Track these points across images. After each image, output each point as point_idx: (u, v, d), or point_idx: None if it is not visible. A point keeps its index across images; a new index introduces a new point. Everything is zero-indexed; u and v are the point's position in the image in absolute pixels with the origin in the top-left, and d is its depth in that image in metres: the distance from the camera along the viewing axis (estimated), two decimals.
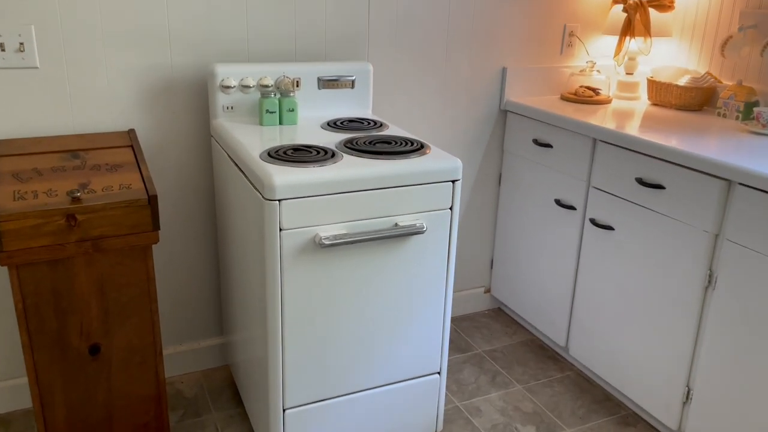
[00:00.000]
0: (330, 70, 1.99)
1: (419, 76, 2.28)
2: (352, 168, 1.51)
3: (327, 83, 1.99)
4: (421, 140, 1.74)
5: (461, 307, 2.67)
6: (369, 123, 1.91)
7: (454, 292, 2.64)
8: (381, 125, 1.90)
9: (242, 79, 1.88)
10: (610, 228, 2.04)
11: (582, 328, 2.21)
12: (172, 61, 1.91)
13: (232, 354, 2.05)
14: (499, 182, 2.56)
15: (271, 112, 1.86)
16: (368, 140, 1.71)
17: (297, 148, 1.61)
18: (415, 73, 2.27)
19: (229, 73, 1.87)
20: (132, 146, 1.83)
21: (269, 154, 1.56)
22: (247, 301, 1.71)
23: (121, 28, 1.83)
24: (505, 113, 2.48)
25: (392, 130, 1.86)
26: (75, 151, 1.79)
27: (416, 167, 1.56)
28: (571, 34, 2.49)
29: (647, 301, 1.94)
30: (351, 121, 1.94)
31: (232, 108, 1.90)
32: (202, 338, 2.22)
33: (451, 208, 1.64)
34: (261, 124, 1.86)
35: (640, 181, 1.90)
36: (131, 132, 1.90)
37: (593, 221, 2.10)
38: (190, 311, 2.17)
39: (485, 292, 2.71)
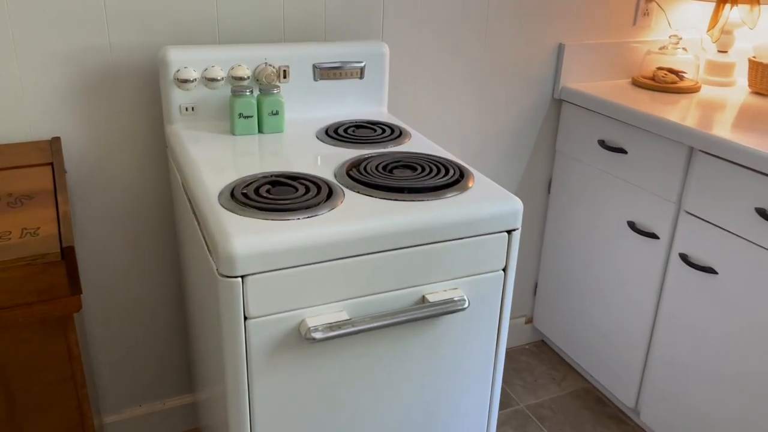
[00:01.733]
0: (330, 53, 1.44)
1: (449, 57, 1.72)
2: (359, 219, 0.98)
3: (326, 72, 1.44)
4: (460, 163, 1.20)
5: None
6: (383, 130, 1.37)
7: None
8: (400, 134, 1.35)
9: (206, 69, 1.34)
10: (711, 271, 1.50)
11: (659, 391, 1.70)
12: (110, 41, 1.37)
13: (204, 416, 1.55)
14: (549, 189, 2.02)
15: (247, 117, 1.32)
16: (383, 164, 1.17)
17: (277, 181, 1.08)
18: (445, 53, 1.71)
19: (187, 60, 1.33)
20: (52, 164, 1.31)
21: (233, 195, 1.03)
22: (211, 389, 1.21)
23: (35, 0, 1.29)
24: (559, 103, 1.93)
25: (416, 142, 1.32)
26: None
27: (456, 214, 1.03)
28: (649, 0, 1.91)
29: (761, 371, 1.41)
30: (358, 126, 1.40)
31: (192, 109, 1.36)
32: (167, 397, 1.73)
33: (505, 270, 1.11)
34: (232, 132, 1.33)
35: (763, 213, 1.35)
36: (54, 142, 1.38)
37: (685, 258, 1.56)
38: (151, 368, 1.68)
39: (526, 323, 2.20)
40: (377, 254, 0.99)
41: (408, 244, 1.01)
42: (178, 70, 1.32)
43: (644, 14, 1.93)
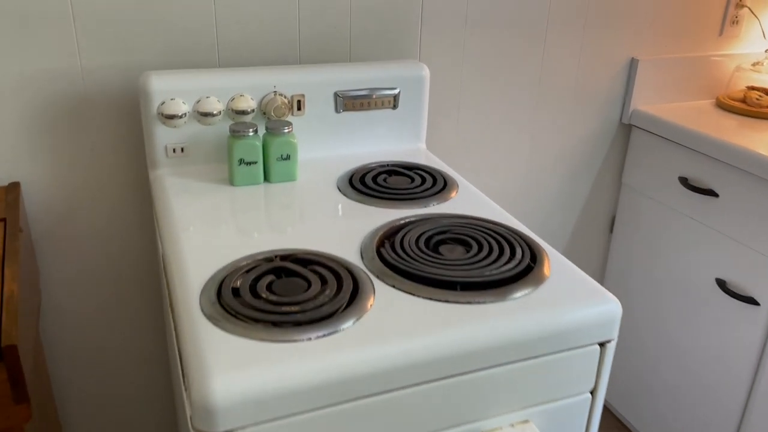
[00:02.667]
0: (356, 78, 1.14)
1: (499, 78, 1.41)
2: (398, 339, 0.69)
3: (351, 102, 1.15)
4: (528, 235, 0.90)
5: None
6: (422, 179, 1.07)
7: None
8: (445, 186, 1.05)
9: (199, 101, 1.05)
10: None
11: None
12: (82, 64, 1.09)
13: None
14: (611, 228, 1.71)
15: (249, 164, 1.03)
16: (426, 236, 0.88)
17: (283, 268, 0.79)
18: (494, 73, 1.40)
19: (174, 88, 1.04)
20: (4, 220, 1.04)
21: (220, 294, 0.74)
22: None
23: None
24: (628, 129, 1.61)
25: (464, 197, 1.02)
26: None
27: (530, 325, 0.73)
28: (740, 5, 1.58)
29: None
30: (390, 171, 1.10)
31: (182, 150, 1.08)
32: None
33: (593, 392, 0.81)
34: (231, 183, 1.04)
35: None
36: (11, 189, 1.11)
37: None
38: None
39: None
40: (421, 386, 0.70)
41: (463, 370, 0.71)
42: (163, 103, 1.03)
43: (733, 23, 1.60)
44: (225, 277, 0.77)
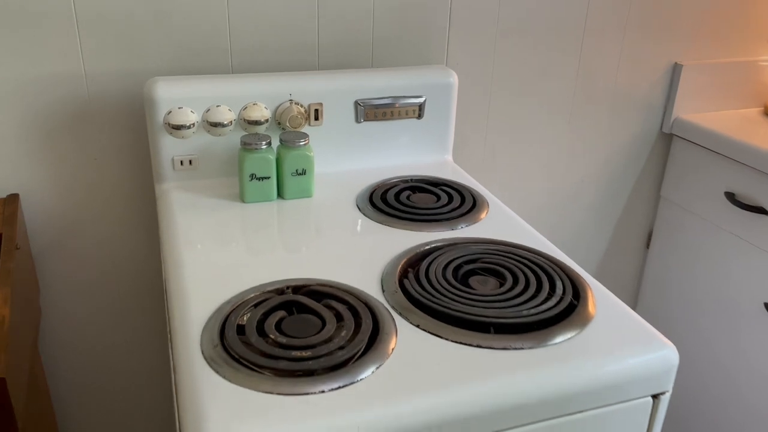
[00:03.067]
0: (378, 85, 1.06)
1: (533, 83, 1.32)
2: (423, 392, 0.60)
3: (373, 111, 1.06)
4: (569, 266, 0.81)
5: None
6: (449, 197, 0.98)
7: None
8: (474, 205, 0.96)
9: (209, 110, 0.97)
10: None
11: None
12: (86, 70, 1.02)
13: None
14: (648, 244, 1.60)
15: (261, 179, 0.95)
16: (454, 265, 0.79)
17: (294, 302, 0.71)
18: (527, 79, 1.31)
19: (182, 96, 0.96)
20: (0, 235, 0.97)
21: (223, 335, 0.66)
22: None
23: None
24: (669, 138, 1.50)
25: (496, 218, 0.93)
26: None
27: (574, 377, 0.64)
28: None
29: None
30: (414, 188, 1.02)
31: (190, 163, 1.00)
32: None
33: None
34: (242, 200, 0.96)
35: None
36: (10, 201, 1.04)
37: None
38: None
39: None
40: None
41: (497, 428, 0.63)
42: (170, 112, 0.95)
43: None
44: (230, 312, 0.69)
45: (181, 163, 0.99)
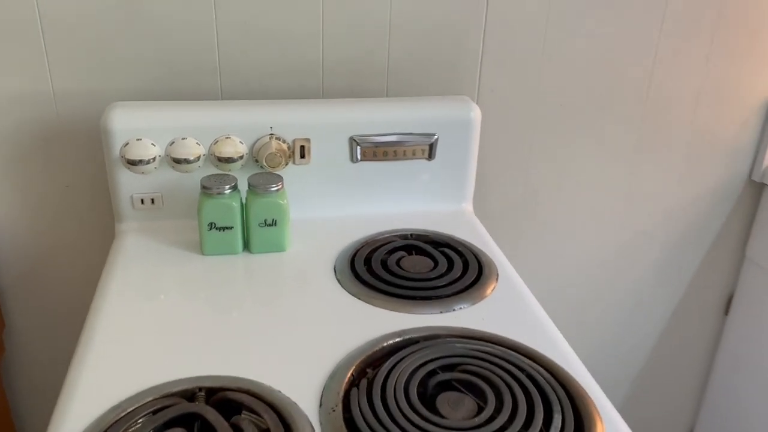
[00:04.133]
0: (380, 118, 0.88)
1: (587, 116, 1.10)
2: None
3: (372, 149, 0.89)
4: (577, 382, 0.60)
5: None
6: (449, 262, 0.79)
7: None
8: (479, 276, 0.77)
9: (173, 143, 0.83)
10: None
11: None
12: (54, 89, 0.90)
13: None
14: (727, 310, 1.34)
15: (222, 229, 0.80)
16: (427, 366, 0.60)
17: (198, 415, 0.55)
18: (580, 110, 1.09)
19: (140, 126, 0.82)
20: None
21: None
22: None
23: None
24: (759, 188, 1.23)
25: (503, 295, 0.73)
26: None
27: None
28: None
29: None
30: (411, 247, 0.83)
31: (152, 202, 0.86)
32: None
33: None
34: (202, 251, 0.81)
35: None
36: None
37: None
38: None
39: None
40: None
41: None
42: (127, 144, 0.82)
43: None
44: (109, 427, 0.53)
45: (142, 201, 0.85)
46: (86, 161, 0.95)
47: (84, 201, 0.98)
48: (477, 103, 1.03)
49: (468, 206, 0.96)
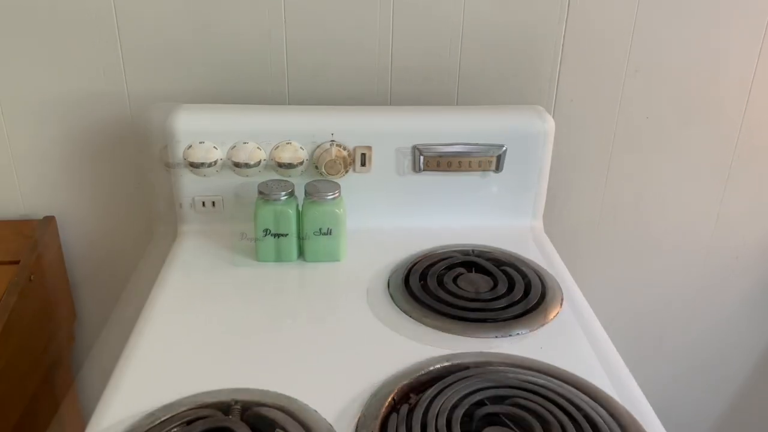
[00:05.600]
0: (446, 127, 0.84)
1: (674, 128, 1.01)
2: None
3: (436, 159, 0.85)
4: (640, 425, 0.55)
5: None
6: (510, 281, 0.74)
7: None
8: (542, 300, 0.72)
9: (234, 147, 0.83)
10: None
11: None
12: (128, 89, 0.93)
13: None
14: None
15: (278, 236, 0.78)
16: (472, 397, 0.56)
17: (230, 430, 0.53)
18: (667, 122, 1.01)
19: (204, 130, 0.82)
20: (19, 262, 0.91)
21: None
22: None
23: (15, 17, 0.88)
24: None
25: (568, 319, 0.68)
26: None
27: None
28: None
29: None
30: (471, 264, 0.79)
31: (213, 205, 0.86)
32: None
33: None
34: (257, 258, 0.80)
35: None
36: (45, 224, 0.98)
37: None
38: None
39: None
40: None
41: None
42: (190, 147, 0.82)
43: None
44: None
45: (203, 204, 0.86)
46: (156, 162, 0.97)
47: (152, 201, 0.99)
48: (554, 114, 0.97)
49: (537, 223, 0.90)
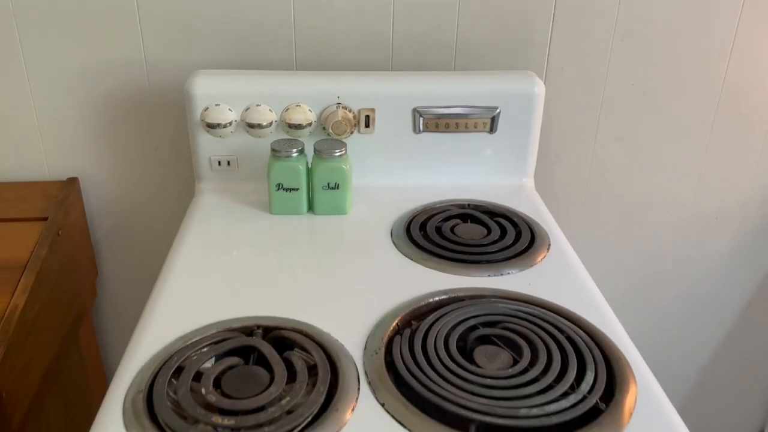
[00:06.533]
0: (444, 91, 0.91)
1: (657, 93, 1.08)
2: None
3: (434, 121, 0.92)
4: (617, 348, 0.62)
5: None
6: (502, 230, 0.81)
7: None
8: (531, 243, 0.79)
9: (248, 109, 0.89)
10: None
11: None
12: (146, 57, 0.99)
13: None
14: None
15: (289, 190, 0.85)
16: (467, 323, 0.63)
17: (251, 348, 0.60)
18: (650, 88, 1.07)
19: (219, 93, 0.89)
20: (47, 218, 0.98)
21: (154, 382, 0.57)
22: None
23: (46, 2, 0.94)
24: None
25: (555, 261, 0.75)
26: None
27: None
28: None
29: None
30: (466, 216, 0.86)
31: (228, 164, 0.93)
32: None
33: None
34: (270, 211, 0.87)
35: None
36: (68, 185, 1.04)
37: None
38: None
39: None
40: None
41: None
42: (207, 109, 0.89)
43: None
44: (176, 352, 0.60)
45: (219, 163, 0.93)
46: (172, 126, 1.03)
47: (168, 162, 1.06)
48: (545, 81, 1.04)
49: (529, 181, 0.97)
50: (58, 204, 1.00)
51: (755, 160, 1.14)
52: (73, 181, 1.05)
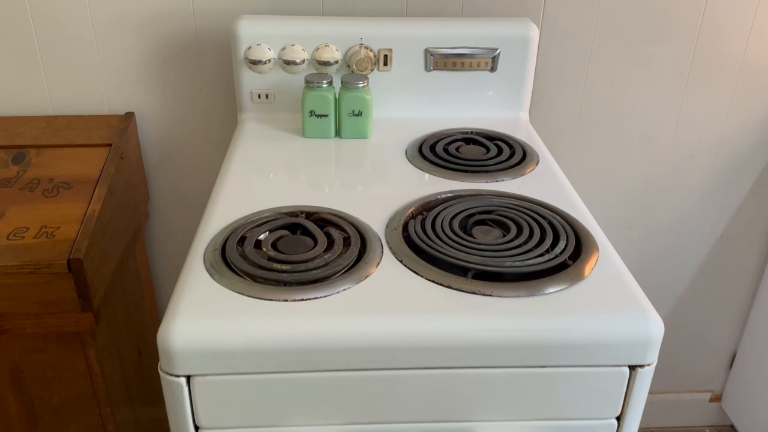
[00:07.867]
0: (450, 34, 1.06)
1: (641, 39, 1.22)
2: (383, 316, 0.64)
3: (443, 60, 1.07)
4: (585, 228, 0.78)
5: (667, 416, 1.66)
6: (499, 150, 0.97)
7: (658, 392, 1.64)
8: (523, 158, 0.95)
9: (284, 48, 1.05)
10: None
11: None
12: (194, 6, 1.14)
13: None
14: None
15: (320, 116, 1.01)
16: (466, 212, 0.80)
17: (298, 225, 0.77)
18: (633, 34, 1.22)
19: (262, 34, 1.05)
20: (111, 145, 1.14)
21: (225, 246, 0.74)
22: None
23: None
24: None
25: (541, 175, 0.91)
26: (22, 149, 1.15)
27: (548, 328, 0.63)
28: None
29: None
30: (468, 140, 1.02)
31: (267, 97, 1.09)
32: None
33: (619, 419, 0.69)
34: (303, 134, 1.04)
35: None
36: (125, 119, 1.21)
37: None
38: None
39: (712, 401, 1.65)
40: (407, 371, 0.65)
41: (460, 364, 0.64)
42: (249, 48, 1.04)
43: None
44: (237, 227, 0.76)
45: (259, 96, 1.08)
46: (215, 67, 1.19)
47: (212, 100, 1.22)
48: (541, 31, 1.18)
49: (524, 115, 1.13)
50: (120, 133, 1.16)
51: (727, 101, 1.29)
52: (129, 115, 1.21)
